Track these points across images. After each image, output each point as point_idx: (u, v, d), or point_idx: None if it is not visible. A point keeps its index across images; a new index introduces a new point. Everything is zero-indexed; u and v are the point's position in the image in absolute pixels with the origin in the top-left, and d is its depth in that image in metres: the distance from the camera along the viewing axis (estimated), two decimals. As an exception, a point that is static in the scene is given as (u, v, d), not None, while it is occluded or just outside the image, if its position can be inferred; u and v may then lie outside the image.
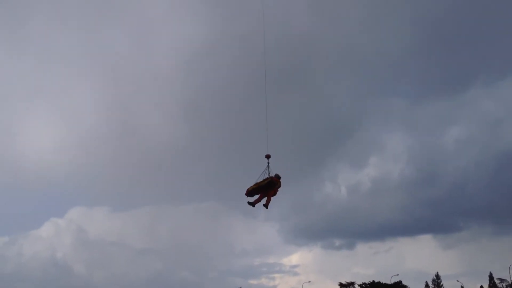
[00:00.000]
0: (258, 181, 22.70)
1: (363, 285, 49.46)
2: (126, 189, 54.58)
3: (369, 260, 63.60)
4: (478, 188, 52.55)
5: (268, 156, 22.86)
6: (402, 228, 56.00)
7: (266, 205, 22.79)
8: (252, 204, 22.96)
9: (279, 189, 22.83)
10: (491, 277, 51.59)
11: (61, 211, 62.19)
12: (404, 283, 49.27)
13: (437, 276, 52.13)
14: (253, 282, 65.46)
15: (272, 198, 22.84)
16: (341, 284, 50.89)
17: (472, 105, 61.06)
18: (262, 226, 63.49)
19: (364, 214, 54.44)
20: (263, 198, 22.77)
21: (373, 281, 49.62)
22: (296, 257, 68.93)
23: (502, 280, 51.74)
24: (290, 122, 50.10)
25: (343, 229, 59.69)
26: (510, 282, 46.28)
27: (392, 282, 48.56)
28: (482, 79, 63.10)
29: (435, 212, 53.50)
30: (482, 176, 52.87)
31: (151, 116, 56.90)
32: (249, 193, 22.81)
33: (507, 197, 50.07)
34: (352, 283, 50.87)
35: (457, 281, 49.30)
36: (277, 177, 22.87)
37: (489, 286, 52.81)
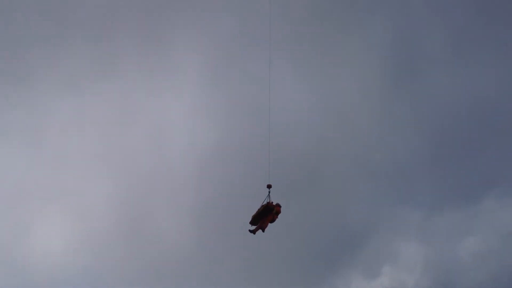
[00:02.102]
0: (258, 209, 24.92)
1: None
2: (133, 293, 53.55)
3: None
4: (496, 301, 50.67)
5: (269, 186, 25.03)
6: None
7: (263, 229, 24.74)
8: (252, 231, 24.96)
9: (278, 216, 24.77)
10: None
11: (67, 317, 60.32)
12: None
13: None
14: None
15: (269, 224, 24.92)
16: None
17: (488, 216, 59.94)
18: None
19: (378, 328, 52.28)
20: (262, 224, 24.71)
21: None
22: None
23: None
24: (299, 228, 49.57)
25: None
26: None
27: None
28: (497, 189, 62.45)
29: (452, 325, 51.26)
30: (499, 289, 51.14)
31: (161, 220, 56.84)
32: (253, 220, 24.91)
33: (527, 310, 48.03)
34: None
35: None
36: (278, 205, 24.76)
37: None
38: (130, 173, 57.88)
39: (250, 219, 25.71)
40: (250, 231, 25.32)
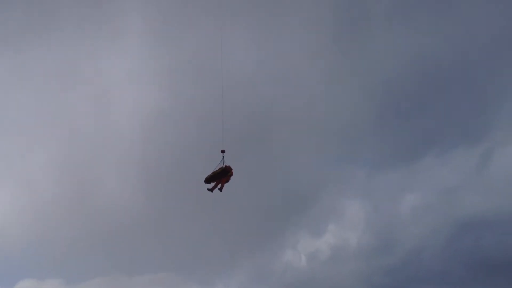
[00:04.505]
0: (214, 171, 28.00)
1: None
2: (80, 259, 52.76)
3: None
4: (434, 254, 53.29)
5: (223, 151, 28.04)
6: (360, 296, 56.09)
7: (220, 189, 28.32)
8: (211, 190, 28.30)
9: (231, 177, 28.23)
10: None
11: (10, 284, 58.81)
12: None
13: None
14: None
15: (225, 184, 28.41)
16: None
17: (428, 173, 62.25)
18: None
19: (323, 283, 54.21)
20: (218, 184, 28.27)
21: None
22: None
23: None
24: (248, 189, 50.21)
25: (302, 299, 59.09)
26: None
27: None
28: (437, 147, 64.78)
29: (392, 279, 53.66)
30: (437, 243, 53.74)
31: (108, 183, 56.15)
32: (207, 180, 28.17)
33: (463, 263, 50.79)
34: None
35: None
36: (230, 167, 28.17)
37: None
38: (74, 136, 56.65)
39: (203, 178, 28.69)
40: (209, 189, 28.50)
